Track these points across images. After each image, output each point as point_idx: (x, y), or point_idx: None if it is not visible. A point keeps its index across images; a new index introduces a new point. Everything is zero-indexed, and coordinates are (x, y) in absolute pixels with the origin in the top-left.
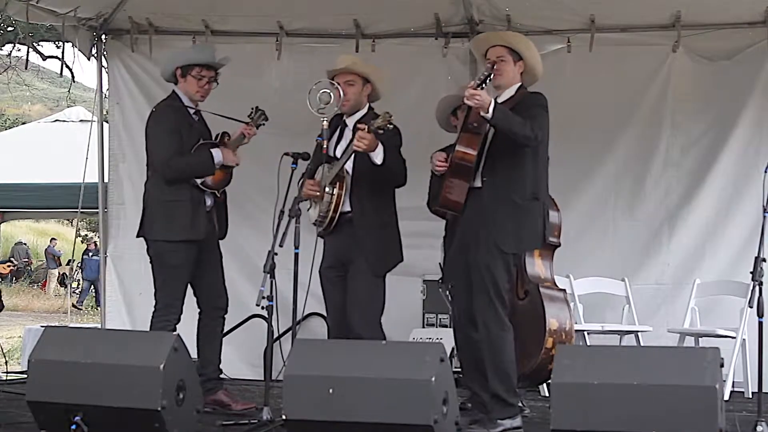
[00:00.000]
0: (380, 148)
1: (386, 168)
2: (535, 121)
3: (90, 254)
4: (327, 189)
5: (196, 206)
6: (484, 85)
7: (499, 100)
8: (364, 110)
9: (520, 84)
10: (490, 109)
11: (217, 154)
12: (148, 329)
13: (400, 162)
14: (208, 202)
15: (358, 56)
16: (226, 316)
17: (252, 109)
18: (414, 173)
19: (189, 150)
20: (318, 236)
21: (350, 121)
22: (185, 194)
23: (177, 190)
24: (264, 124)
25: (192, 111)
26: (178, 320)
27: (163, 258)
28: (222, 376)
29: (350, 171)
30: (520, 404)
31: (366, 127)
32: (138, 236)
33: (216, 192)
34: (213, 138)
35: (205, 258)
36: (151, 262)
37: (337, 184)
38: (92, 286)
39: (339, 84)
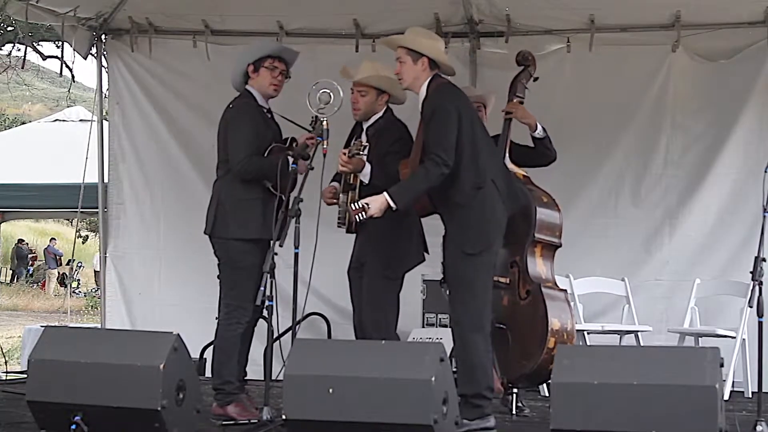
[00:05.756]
0: (367, 169)
1: (373, 187)
2: (436, 143)
3: None
4: (341, 197)
5: (267, 206)
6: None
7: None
8: (379, 114)
9: (430, 78)
10: (392, 204)
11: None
12: (148, 329)
13: (390, 178)
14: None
15: (374, 57)
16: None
17: (312, 118)
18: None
19: (264, 150)
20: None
21: (366, 126)
22: (258, 193)
23: (251, 189)
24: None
25: (265, 110)
26: (250, 321)
27: (238, 259)
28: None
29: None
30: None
31: (347, 151)
32: (208, 234)
33: (282, 196)
34: (282, 141)
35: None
36: (219, 262)
37: (349, 192)
38: None
39: (353, 90)
